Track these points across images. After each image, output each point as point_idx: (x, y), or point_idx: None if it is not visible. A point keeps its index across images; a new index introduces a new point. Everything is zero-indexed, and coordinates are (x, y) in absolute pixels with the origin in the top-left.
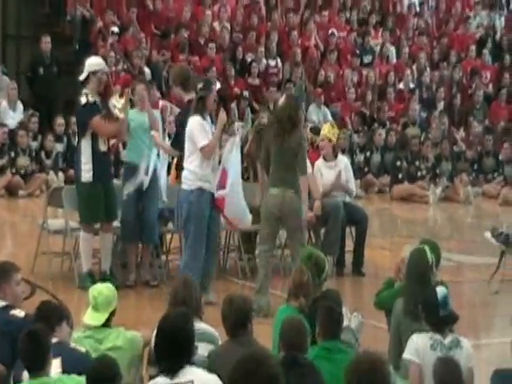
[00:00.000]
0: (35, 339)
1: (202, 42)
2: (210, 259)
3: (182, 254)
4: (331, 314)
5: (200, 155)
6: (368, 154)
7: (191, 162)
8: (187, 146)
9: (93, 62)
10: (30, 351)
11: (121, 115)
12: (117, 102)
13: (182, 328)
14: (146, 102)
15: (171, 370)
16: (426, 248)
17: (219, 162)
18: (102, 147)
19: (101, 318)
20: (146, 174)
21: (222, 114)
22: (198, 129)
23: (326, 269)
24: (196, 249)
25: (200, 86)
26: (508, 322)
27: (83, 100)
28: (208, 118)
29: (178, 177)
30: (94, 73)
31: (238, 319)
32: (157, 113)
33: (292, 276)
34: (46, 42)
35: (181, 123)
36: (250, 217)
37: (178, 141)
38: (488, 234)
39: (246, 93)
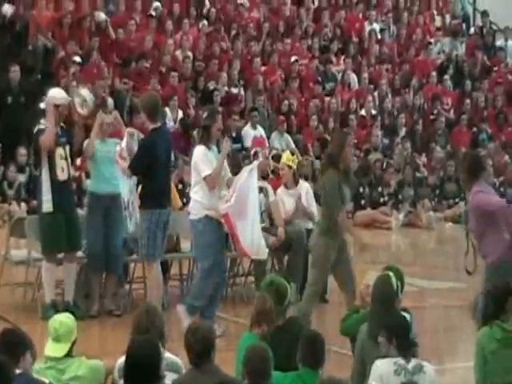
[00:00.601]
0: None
1: (163, 70)
2: (219, 289)
3: (195, 279)
4: (314, 343)
5: (204, 185)
6: None
7: (196, 192)
8: (192, 175)
9: (56, 96)
10: None
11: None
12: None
13: (149, 354)
14: (121, 128)
15: None
16: (391, 274)
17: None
18: (61, 176)
19: (62, 349)
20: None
21: (226, 143)
22: (202, 159)
23: (287, 296)
24: (207, 275)
25: (205, 114)
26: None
27: (37, 128)
28: (214, 147)
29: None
30: (56, 106)
31: (203, 348)
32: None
33: (255, 303)
34: (15, 71)
35: (141, 147)
36: (265, 249)
37: (134, 164)
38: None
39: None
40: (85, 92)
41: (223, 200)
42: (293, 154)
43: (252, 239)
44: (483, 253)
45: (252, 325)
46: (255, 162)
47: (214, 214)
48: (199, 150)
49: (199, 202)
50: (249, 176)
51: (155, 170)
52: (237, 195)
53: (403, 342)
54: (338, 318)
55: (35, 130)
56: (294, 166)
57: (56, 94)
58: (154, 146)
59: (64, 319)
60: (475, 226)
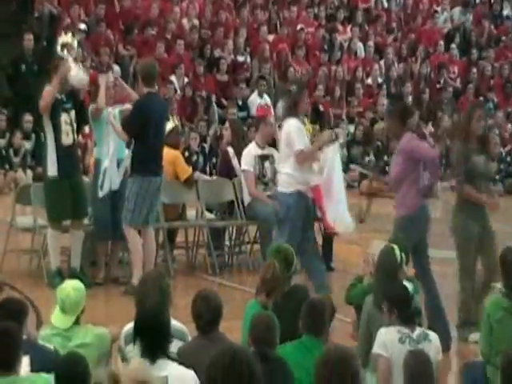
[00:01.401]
0: (8, 337)
1: (169, 38)
2: (315, 261)
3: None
4: (314, 310)
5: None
6: None
7: (289, 165)
8: (283, 149)
9: (76, 77)
10: (2, 349)
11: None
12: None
13: (157, 315)
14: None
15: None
16: (395, 247)
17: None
18: (66, 141)
19: (68, 320)
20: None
21: (328, 133)
22: (297, 132)
23: (294, 262)
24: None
25: (293, 88)
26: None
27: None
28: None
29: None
30: (55, 66)
31: (214, 317)
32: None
33: (262, 271)
34: (29, 40)
35: (134, 108)
36: (352, 223)
37: (127, 125)
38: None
39: (204, 93)
40: (67, 38)
41: (315, 173)
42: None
43: (335, 217)
44: (397, 202)
45: (258, 292)
46: (336, 143)
47: (306, 189)
48: (292, 123)
49: (291, 175)
50: (334, 155)
51: (147, 134)
52: (326, 172)
53: (404, 311)
54: (343, 287)
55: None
56: (309, 135)
57: (76, 75)
58: (147, 107)
59: (71, 291)
60: (397, 172)
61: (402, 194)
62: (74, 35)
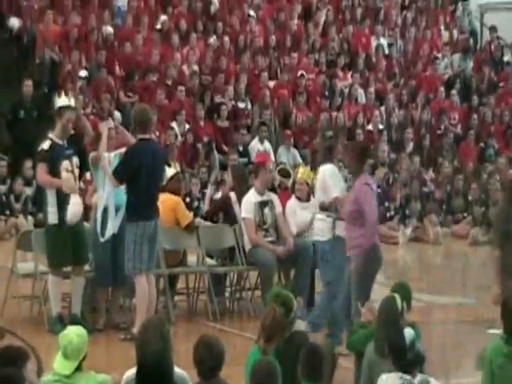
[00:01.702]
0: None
1: (170, 84)
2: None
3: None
4: (313, 357)
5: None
6: None
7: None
8: (320, 194)
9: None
10: None
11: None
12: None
13: (160, 362)
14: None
15: None
16: (396, 296)
17: None
18: (67, 190)
19: (71, 366)
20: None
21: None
22: (332, 178)
23: (294, 309)
24: (334, 293)
25: (329, 134)
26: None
27: (41, 147)
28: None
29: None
30: (60, 113)
31: (216, 363)
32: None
33: (262, 317)
34: (28, 86)
35: (126, 154)
36: None
37: (118, 170)
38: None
39: (206, 138)
40: (63, 100)
41: None
42: (308, 170)
43: None
44: (350, 243)
45: (258, 338)
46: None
47: (342, 233)
48: (329, 169)
49: (327, 222)
50: None
51: (139, 181)
52: None
53: (400, 360)
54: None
55: (39, 148)
56: (309, 182)
57: (60, 102)
58: (139, 154)
59: (74, 337)
60: (349, 212)
61: (353, 235)
62: (67, 94)
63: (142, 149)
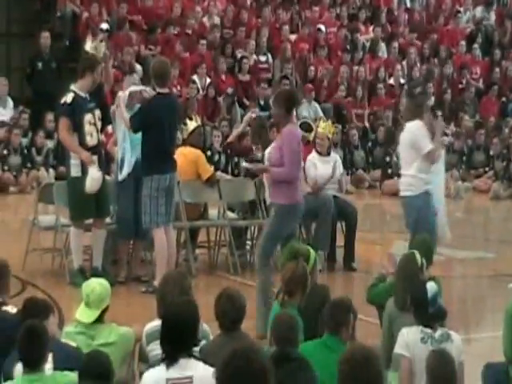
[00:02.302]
0: (35, 336)
1: (191, 37)
2: None
3: None
4: (337, 310)
5: (422, 160)
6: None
7: (415, 168)
8: (407, 151)
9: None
10: (30, 347)
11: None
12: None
13: (186, 313)
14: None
15: (170, 358)
16: (415, 252)
17: None
18: (90, 142)
19: (92, 315)
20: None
21: (441, 122)
22: (422, 134)
23: (310, 263)
24: None
25: (418, 90)
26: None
27: (63, 99)
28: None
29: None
30: (91, 66)
31: (238, 315)
32: None
33: (283, 271)
34: (45, 38)
35: (142, 106)
36: (448, 232)
37: (133, 119)
38: None
39: (230, 90)
40: (91, 44)
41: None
42: (329, 125)
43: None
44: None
45: (278, 294)
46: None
47: (431, 189)
48: (418, 126)
49: (418, 177)
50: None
51: (153, 134)
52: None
53: (422, 313)
54: (365, 287)
55: (62, 100)
56: (331, 136)
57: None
58: (156, 107)
59: (96, 286)
60: (274, 160)
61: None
62: (101, 41)
63: (159, 104)
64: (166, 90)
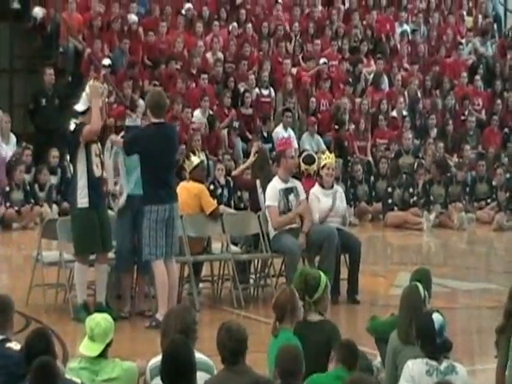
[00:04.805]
0: (48, 372)
1: (194, 72)
2: None
3: None
4: (354, 348)
5: None
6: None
7: None
8: None
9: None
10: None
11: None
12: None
13: (183, 354)
14: None
15: None
16: (418, 285)
17: None
18: (97, 172)
19: (97, 348)
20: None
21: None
22: None
23: (319, 288)
24: None
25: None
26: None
27: (72, 126)
28: None
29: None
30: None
31: (237, 346)
32: None
33: (275, 298)
34: (49, 74)
35: (135, 135)
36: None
37: (126, 145)
38: None
39: (235, 123)
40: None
41: None
42: (332, 157)
43: None
44: None
45: (279, 321)
46: None
47: None
48: None
49: None
50: None
51: (149, 165)
52: None
53: (428, 344)
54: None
55: (71, 127)
56: (334, 169)
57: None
58: (148, 136)
59: (100, 320)
60: None
61: None
62: (95, 79)
63: (152, 134)
64: (161, 120)
